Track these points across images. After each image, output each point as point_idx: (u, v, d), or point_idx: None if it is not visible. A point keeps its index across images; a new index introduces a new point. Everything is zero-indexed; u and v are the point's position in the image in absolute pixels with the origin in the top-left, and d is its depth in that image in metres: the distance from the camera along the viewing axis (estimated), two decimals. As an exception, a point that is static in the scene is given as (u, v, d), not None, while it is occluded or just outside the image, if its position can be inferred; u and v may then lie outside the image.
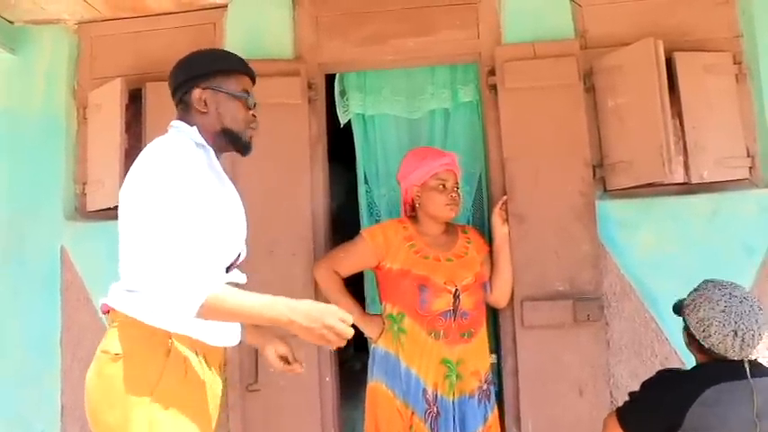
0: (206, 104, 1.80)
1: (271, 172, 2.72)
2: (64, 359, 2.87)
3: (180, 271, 1.54)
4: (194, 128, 1.77)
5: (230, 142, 1.84)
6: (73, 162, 3.02)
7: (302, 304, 1.62)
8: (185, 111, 1.82)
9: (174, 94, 1.85)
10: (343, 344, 1.64)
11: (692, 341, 1.91)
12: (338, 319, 1.61)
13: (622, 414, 1.95)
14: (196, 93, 1.79)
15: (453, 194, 2.50)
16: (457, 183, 2.54)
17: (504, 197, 2.66)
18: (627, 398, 2.00)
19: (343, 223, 3.07)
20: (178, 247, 1.56)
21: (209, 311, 1.56)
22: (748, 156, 2.75)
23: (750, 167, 2.75)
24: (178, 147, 1.69)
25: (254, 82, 1.94)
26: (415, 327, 2.41)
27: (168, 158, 1.65)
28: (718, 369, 1.83)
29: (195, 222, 1.61)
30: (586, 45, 2.81)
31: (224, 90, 1.82)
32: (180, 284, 1.54)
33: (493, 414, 2.49)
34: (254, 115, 1.88)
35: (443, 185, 2.49)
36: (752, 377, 1.79)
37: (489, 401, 2.49)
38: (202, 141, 1.76)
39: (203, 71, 1.82)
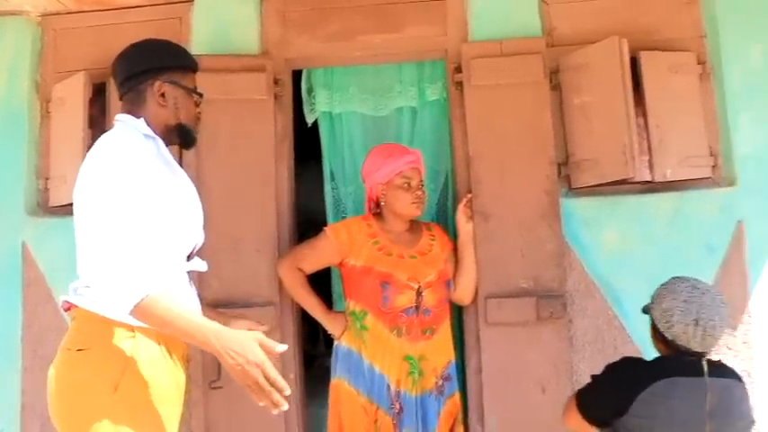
0: (164, 97, 1.80)
1: (236, 168, 2.70)
2: (25, 357, 2.83)
3: (121, 267, 1.54)
4: (141, 119, 1.77)
5: (180, 136, 1.86)
6: (35, 156, 2.98)
7: (234, 342, 1.54)
8: (135, 101, 1.81)
9: (124, 81, 1.82)
10: (278, 403, 1.56)
11: (656, 335, 1.93)
12: (266, 379, 1.53)
13: (580, 394, 1.99)
14: (156, 85, 1.79)
15: (419, 192, 2.50)
16: (422, 180, 2.53)
17: (469, 195, 2.66)
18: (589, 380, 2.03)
19: (314, 220, 3.06)
20: (122, 243, 1.55)
21: (143, 312, 1.55)
22: (711, 155, 2.78)
23: (712, 166, 2.78)
24: (126, 141, 1.69)
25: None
26: (378, 324, 2.41)
27: (116, 154, 1.65)
28: (676, 363, 1.85)
29: (142, 219, 1.61)
30: (553, 43, 2.82)
31: (183, 85, 1.84)
32: (120, 280, 1.53)
33: (444, 409, 2.49)
34: (200, 111, 1.92)
35: (408, 184, 2.49)
36: (709, 376, 1.81)
37: (443, 397, 2.49)
38: (150, 132, 1.77)
39: (165, 64, 1.82)
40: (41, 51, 3.05)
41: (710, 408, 1.78)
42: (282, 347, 1.59)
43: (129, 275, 1.54)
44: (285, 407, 1.56)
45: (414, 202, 2.49)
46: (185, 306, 1.60)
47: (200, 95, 1.90)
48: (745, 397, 1.89)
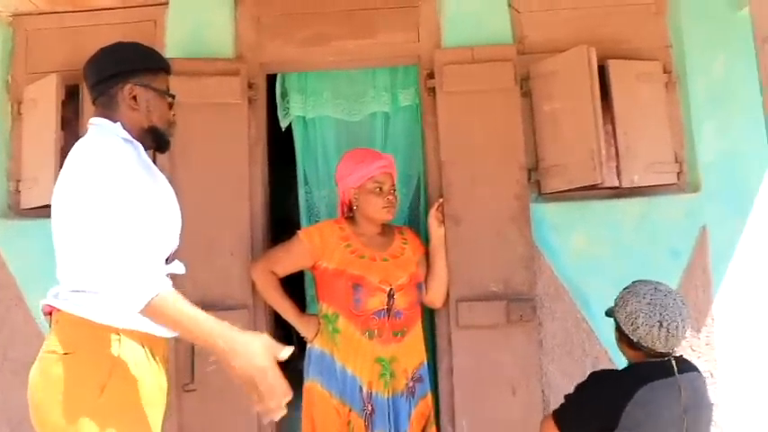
0: (136, 100, 1.80)
1: (210, 171, 2.70)
2: (-6, 360, 2.81)
3: (128, 268, 1.55)
4: (118, 124, 1.77)
5: (154, 140, 1.86)
6: (6, 158, 2.95)
7: (243, 346, 1.55)
8: (107, 105, 1.81)
9: (95, 85, 1.82)
10: (274, 412, 1.56)
11: (621, 337, 1.97)
12: (269, 386, 1.54)
13: (559, 416, 2.00)
14: (126, 88, 1.79)
15: (390, 197, 2.53)
16: (394, 185, 2.56)
17: (441, 199, 2.70)
18: (562, 400, 2.05)
19: (288, 224, 3.07)
20: (123, 244, 1.56)
21: (153, 310, 1.56)
22: (676, 161, 2.85)
23: (678, 173, 2.85)
24: (106, 145, 1.69)
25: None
26: (350, 326, 2.44)
27: (100, 158, 1.65)
28: (648, 368, 1.90)
29: (134, 219, 1.61)
30: (524, 50, 2.87)
31: (153, 87, 1.83)
32: (129, 281, 1.55)
33: (416, 410, 2.52)
34: (173, 114, 1.91)
35: (380, 188, 2.51)
36: (679, 373, 1.87)
37: (414, 398, 2.52)
38: (128, 137, 1.77)
39: (134, 67, 1.82)
40: (12, 52, 3.02)
41: (684, 403, 1.85)
42: (288, 352, 1.59)
43: (139, 275, 1.55)
44: (280, 415, 1.57)
45: (385, 207, 2.52)
46: (194, 306, 1.61)
47: (173, 97, 1.89)
48: (705, 386, 1.98)
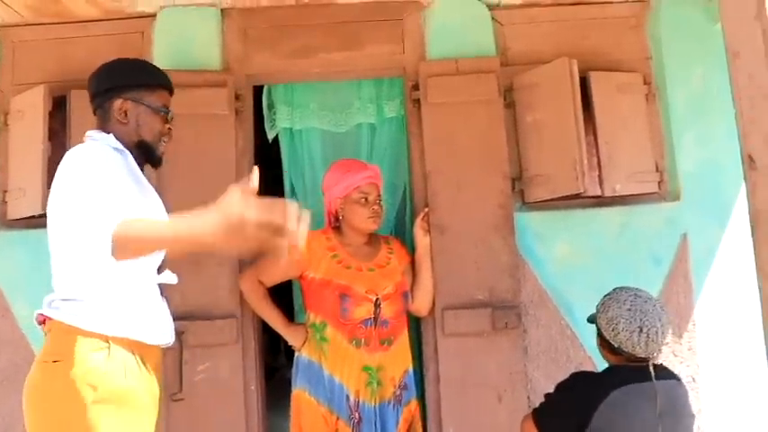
0: (126, 115, 1.84)
1: (197, 182, 2.70)
2: (-20, 370, 2.80)
3: (94, 228, 1.52)
4: (110, 135, 1.82)
5: (144, 154, 1.89)
6: (-7, 169, 2.95)
7: (222, 209, 1.35)
8: (103, 118, 1.86)
9: (93, 99, 1.88)
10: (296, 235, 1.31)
11: (603, 343, 2.02)
12: (242, 196, 1.34)
13: (538, 415, 2.05)
14: (117, 103, 1.84)
15: (375, 207, 2.55)
16: (379, 195, 2.59)
17: (426, 209, 2.73)
18: (543, 399, 2.10)
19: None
20: (96, 222, 1.54)
21: (123, 241, 1.48)
22: (657, 171, 2.91)
23: (659, 182, 2.91)
24: (96, 153, 1.72)
25: (172, 95, 1.98)
26: (337, 335, 2.46)
27: (89, 164, 1.68)
28: (625, 372, 1.94)
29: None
30: (507, 62, 2.92)
31: (145, 103, 1.87)
32: (92, 239, 1.51)
33: (404, 419, 2.55)
34: (169, 128, 1.93)
35: (366, 198, 2.54)
36: (656, 379, 1.91)
37: (401, 406, 2.54)
38: (119, 146, 1.81)
39: (127, 82, 1.86)
40: (0, 63, 3.03)
41: (660, 409, 1.88)
42: (255, 174, 1.42)
43: (100, 229, 1.50)
44: (305, 225, 1.34)
45: (370, 217, 2.55)
46: (164, 223, 1.57)
47: (167, 113, 1.92)
48: (686, 394, 2.01)
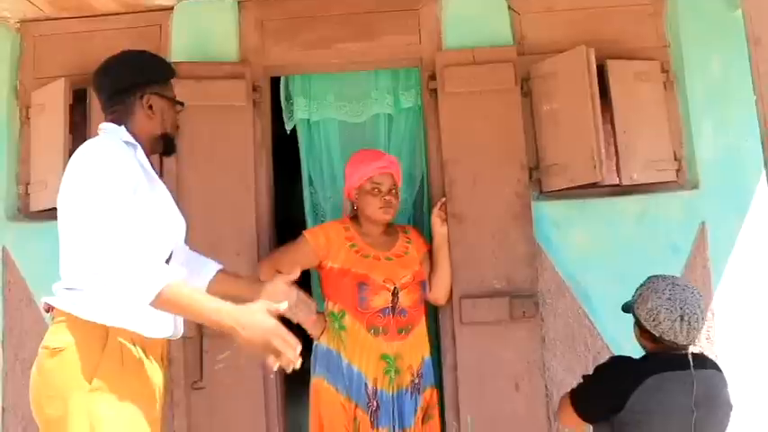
0: (152, 109, 1.88)
1: (216, 173, 2.75)
2: (6, 360, 2.84)
3: (134, 261, 1.61)
4: (122, 127, 1.84)
5: (164, 145, 1.94)
6: (15, 162, 2.99)
7: (246, 316, 1.64)
8: (122, 111, 1.87)
9: (112, 95, 1.88)
10: (292, 362, 1.63)
11: (643, 333, 2.02)
12: (282, 340, 1.62)
13: (575, 394, 2.08)
14: (145, 98, 1.87)
15: (388, 198, 2.55)
16: (395, 186, 2.58)
17: (444, 198, 2.74)
18: (566, 392, 2.13)
19: (297, 224, 3.11)
20: (126, 240, 1.62)
21: (163, 301, 1.62)
22: (675, 159, 2.89)
23: (677, 170, 2.89)
24: (108, 147, 1.76)
25: None
26: (355, 324, 2.48)
27: (101, 159, 1.72)
28: (664, 359, 1.96)
29: (134, 217, 1.68)
30: (524, 51, 2.91)
31: (168, 97, 1.92)
32: (136, 274, 1.61)
33: (420, 407, 2.57)
34: (178, 119, 2.01)
35: (378, 189, 2.54)
36: (694, 368, 1.92)
37: (420, 394, 2.56)
38: (131, 140, 1.83)
39: (151, 77, 1.90)
40: (20, 57, 3.06)
41: (696, 398, 1.90)
42: (285, 305, 1.70)
43: (145, 267, 1.62)
44: (298, 364, 1.65)
45: (382, 207, 2.54)
46: (201, 292, 1.69)
47: (182, 105, 1.97)
48: (725, 385, 2.01)
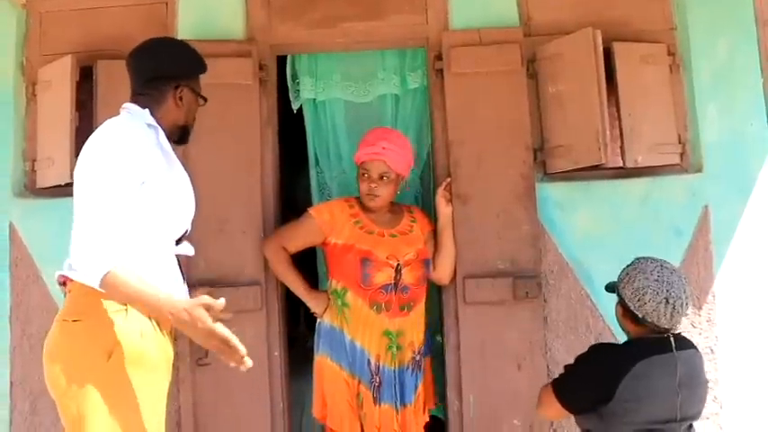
0: (182, 100, 1.95)
1: (222, 151, 2.76)
2: (13, 336, 2.86)
3: (94, 243, 1.66)
4: (146, 110, 1.88)
5: (182, 134, 2.01)
6: (22, 138, 2.99)
7: (178, 305, 1.65)
8: (151, 96, 1.92)
9: (151, 80, 1.93)
10: (241, 361, 1.65)
11: (625, 313, 2.03)
12: (203, 308, 1.63)
13: (558, 386, 2.07)
14: (180, 89, 1.95)
15: (373, 185, 2.52)
16: (386, 173, 2.53)
17: (449, 179, 2.75)
18: (562, 370, 2.13)
19: (302, 203, 3.13)
20: (100, 220, 1.67)
21: (106, 286, 1.66)
22: (680, 142, 2.89)
23: (681, 153, 2.89)
24: (127, 127, 1.81)
25: None
26: (358, 301, 2.51)
27: (114, 138, 1.77)
28: (647, 344, 1.97)
29: (130, 200, 1.72)
30: (530, 33, 2.90)
31: (196, 91, 2.01)
32: (89, 255, 1.66)
33: (422, 383, 2.61)
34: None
35: (366, 174, 2.54)
36: (676, 350, 1.94)
37: (420, 372, 2.60)
38: (153, 122, 1.88)
39: (189, 71, 1.99)
40: (27, 34, 3.05)
41: (680, 379, 1.92)
42: (221, 302, 1.67)
43: (100, 251, 1.65)
44: (249, 364, 1.67)
45: (368, 194, 2.55)
46: (145, 281, 1.69)
47: (206, 100, 2.05)
48: (702, 363, 2.05)
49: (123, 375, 1.73)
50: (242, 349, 1.64)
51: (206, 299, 1.65)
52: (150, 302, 1.67)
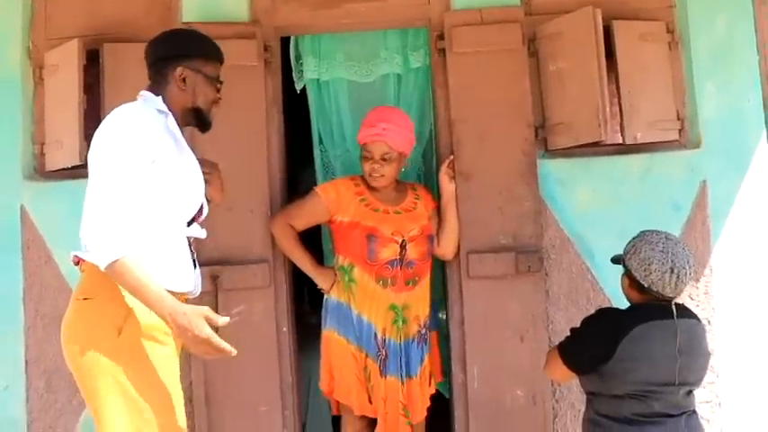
0: (185, 82, 1.96)
1: (229, 132, 2.76)
2: (27, 316, 2.91)
3: (105, 226, 1.71)
4: (159, 97, 1.94)
5: (196, 119, 2.03)
6: (30, 122, 3.02)
7: (178, 309, 1.70)
8: (159, 81, 1.97)
9: (153, 64, 1.99)
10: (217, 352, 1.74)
11: (631, 284, 2.09)
12: (204, 318, 1.70)
13: (563, 347, 2.16)
14: (178, 70, 1.96)
15: (375, 165, 2.58)
16: (388, 153, 2.58)
17: (452, 156, 2.80)
18: (569, 333, 2.20)
19: (308, 182, 3.18)
20: (112, 203, 1.72)
21: (114, 272, 1.71)
22: (678, 119, 2.93)
23: (680, 130, 2.94)
24: (136, 112, 1.87)
25: (222, 66, 2.11)
26: (365, 276, 2.57)
27: (124, 122, 1.83)
28: (649, 309, 2.04)
29: (140, 184, 1.77)
30: (531, 12, 2.92)
31: (203, 72, 2.00)
32: (102, 238, 1.71)
33: (428, 356, 2.68)
34: (219, 97, 2.07)
35: (369, 155, 2.60)
36: (677, 318, 2.01)
37: (426, 345, 2.67)
38: (164, 108, 1.92)
39: (188, 52, 1.99)
40: (32, 18, 3.07)
41: (680, 345, 1.99)
42: (225, 320, 1.76)
43: (111, 236, 1.70)
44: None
45: (370, 175, 2.61)
46: (152, 277, 1.74)
47: (220, 82, 2.05)
48: (704, 334, 2.12)
49: (133, 351, 1.79)
50: (233, 352, 1.75)
51: (207, 310, 1.73)
52: (152, 298, 1.71)
